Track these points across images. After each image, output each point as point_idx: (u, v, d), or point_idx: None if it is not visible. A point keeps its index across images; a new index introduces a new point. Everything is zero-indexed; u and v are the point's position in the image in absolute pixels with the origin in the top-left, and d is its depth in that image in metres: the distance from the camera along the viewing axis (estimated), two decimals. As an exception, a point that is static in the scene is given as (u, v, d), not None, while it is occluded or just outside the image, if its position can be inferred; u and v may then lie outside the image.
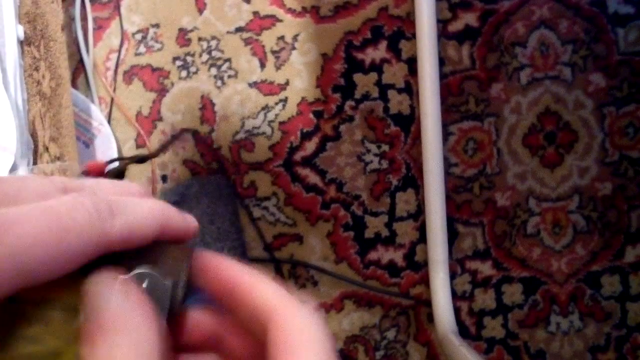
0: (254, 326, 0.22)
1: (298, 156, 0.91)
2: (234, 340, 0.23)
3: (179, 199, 0.86)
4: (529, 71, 0.93)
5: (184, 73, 0.90)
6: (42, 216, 0.18)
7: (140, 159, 0.76)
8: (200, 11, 0.90)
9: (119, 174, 0.78)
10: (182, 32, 0.90)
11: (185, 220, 0.24)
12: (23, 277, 0.18)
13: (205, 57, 0.90)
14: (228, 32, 0.90)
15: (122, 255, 0.21)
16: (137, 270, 0.21)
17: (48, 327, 0.19)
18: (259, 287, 0.22)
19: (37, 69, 0.54)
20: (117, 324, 0.19)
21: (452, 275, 0.91)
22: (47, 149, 0.54)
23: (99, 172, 0.74)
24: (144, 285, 0.21)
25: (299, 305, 0.21)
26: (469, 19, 0.92)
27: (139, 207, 0.21)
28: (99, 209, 0.20)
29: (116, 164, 0.77)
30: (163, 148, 0.82)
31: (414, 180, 0.92)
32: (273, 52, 0.91)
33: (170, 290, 0.21)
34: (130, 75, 0.90)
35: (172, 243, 0.23)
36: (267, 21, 0.91)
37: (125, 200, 0.21)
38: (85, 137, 0.84)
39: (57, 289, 0.20)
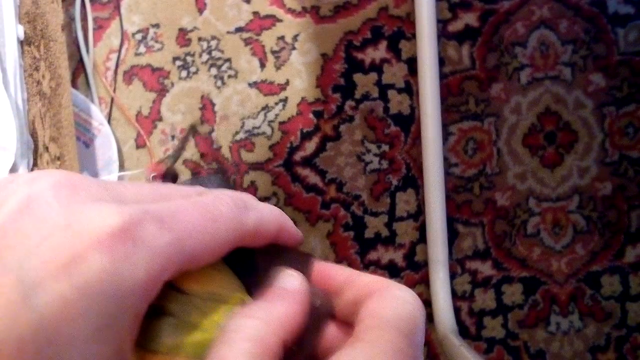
0: (352, 308, 0.24)
1: (298, 156, 0.91)
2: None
3: (179, 199, 0.86)
4: (529, 71, 0.93)
5: (184, 73, 0.90)
6: (196, 208, 0.21)
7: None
8: (200, 11, 0.90)
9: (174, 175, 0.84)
10: (182, 32, 0.90)
11: (297, 229, 0.26)
12: (186, 260, 0.20)
13: (205, 57, 0.90)
14: (228, 32, 0.90)
15: (252, 254, 0.24)
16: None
17: (214, 319, 0.21)
18: (363, 275, 0.24)
19: (37, 69, 0.54)
20: (276, 295, 0.22)
21: (452, 275, 0.91)
22: (47, 148, 0.54)
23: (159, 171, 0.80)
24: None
25: (398, 284, 0.24)
26: (469, 19, 0.92)
27: (263, 205, 0.24)
28: (237, 203, 0.22)
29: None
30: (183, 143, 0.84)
31: (414, 180, 0.92)
32: (273, 52, 0.91)
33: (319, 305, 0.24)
34: (130, 75, 0.90)
35: (289, 247, 0.25)
36: (267, 21, 0.91)
37: (251, 199, 0.24)
38: (85, 137, 0.84)
39: (216, 285, 0.22)
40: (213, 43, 0.90)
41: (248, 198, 0.23)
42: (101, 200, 0.19)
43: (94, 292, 0.17)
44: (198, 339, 0.21)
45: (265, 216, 0.23)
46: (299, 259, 0.25)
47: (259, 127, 0.90)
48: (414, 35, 0.91)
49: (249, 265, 0.24)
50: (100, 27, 0.89)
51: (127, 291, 0.18)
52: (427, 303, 0.91)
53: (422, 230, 0.91)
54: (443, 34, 0.92)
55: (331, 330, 0.24)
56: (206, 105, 0.90)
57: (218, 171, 0.90)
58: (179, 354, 0.20)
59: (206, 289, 0.22)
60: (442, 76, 0.91)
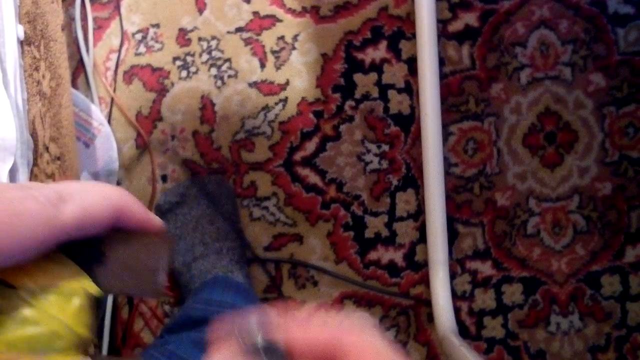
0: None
1: (298, 156, 0.91)
2: None
3: (179, 199, 0.86)
4: (529, 71, 0.93)
5: (184, 73, 0.90)
6: None
7: None
8: (200, 11, 0.90)
9: None
10: (182, 32, 0.90)
11: (147, 211, 0.25)
12: None
13: (205, 57, 0.90)
14: (228, 32, 0.90)
15: (99, 241, 0.23)
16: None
17: (47, 311, 0.21)
18: (324, 325, 0.24)
19: (37, 69, 0.54)
20: None
21: (452, 275, 0.91)
22: (47, 148, 0.54)
23: None
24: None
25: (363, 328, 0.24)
26: (469, 19, 0.92)
27: (91, 192, 0.23)
28: (48, 196, 0.21)
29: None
30: None
31: (414, 180, 0.92)
32: (273, 52, 0.91)
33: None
34: (130, 75, 0.90)
35: (144, 233, 0.24)
36: (267, 21, 0.91)
37: (77, 188, 0.23)
38: (85, 137, 0.84)
39: (51, 277, 0.21)
40: (213, 43, 0.90)
41: (70, 190, 0.23)
42: None
43: None
44: (29, 333, 0.20)
45: (90, 205, 0.23)
46: (152, 244, 0.24)
47: (259, 127, 0.90)
48: (414, 35, 0.91)
49: (96, 254, 0.23)
50: (100, 27, 0.89)
51: None
52: (427, 303, 0.91)
53: (422, 230, 0.91)
54: (443, 34, 0.92)
55: None
56: (206, 105, 0.90)
57: (218, 171, 0.90)
58: (10, 350, 0.20)
59: (39, 283, 0.21)
60: (442, 76, 0.91)
